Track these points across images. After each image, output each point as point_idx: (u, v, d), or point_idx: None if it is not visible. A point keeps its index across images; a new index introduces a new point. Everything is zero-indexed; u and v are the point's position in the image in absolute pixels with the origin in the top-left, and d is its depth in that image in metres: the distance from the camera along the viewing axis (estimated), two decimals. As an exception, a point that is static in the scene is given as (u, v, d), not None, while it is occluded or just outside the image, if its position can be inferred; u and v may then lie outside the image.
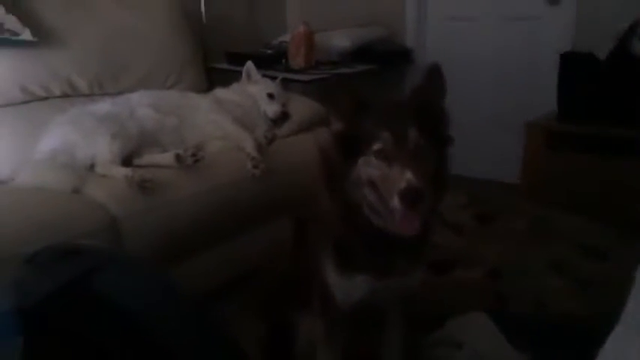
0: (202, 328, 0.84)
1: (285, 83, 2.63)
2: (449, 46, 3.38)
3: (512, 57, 3.24)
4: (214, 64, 3.15)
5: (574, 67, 2.62)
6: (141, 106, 2.11)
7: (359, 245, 1.20)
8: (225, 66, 3.19)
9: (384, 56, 3.29)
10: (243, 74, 2.45)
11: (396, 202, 1.02)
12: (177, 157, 1.90)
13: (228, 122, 2.20)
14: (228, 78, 2.70)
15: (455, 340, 1.61)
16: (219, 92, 2.41)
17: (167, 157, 1.92)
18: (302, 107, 2.46)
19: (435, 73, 1.18)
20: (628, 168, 2.38)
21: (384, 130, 1.08)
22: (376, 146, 1.08)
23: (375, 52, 3.27)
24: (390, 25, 3.45)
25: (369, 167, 1.10)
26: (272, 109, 2.34)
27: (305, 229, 1.42)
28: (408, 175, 1.02)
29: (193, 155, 1.92)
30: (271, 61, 3.06)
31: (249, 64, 2.44)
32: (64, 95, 2.30)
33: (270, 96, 2.37)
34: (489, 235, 2.45)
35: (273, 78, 2.54)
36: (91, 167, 1.88)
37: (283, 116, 2.36)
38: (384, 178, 1.07)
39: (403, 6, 3.48)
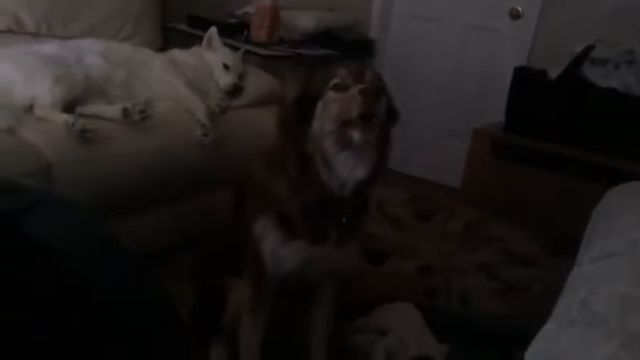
0: (139, 284, 0.80)
1: (245, 55, 2.57)
2: (410, 43, 3.40)
3: (469, 64, 3.30)
4: (173, 25, 3.05)
5: (525, 82, 2.70)
6: (90, 53, 1.99)
7: (300, 209, 1.21)
8: (184, 28, 3.09)
9: (347, 44, 3.27)
10: (205, 40, 2.34)
11: (356, 99, 1.08)
12: (125, 111, 1.81)
13: (180, 84, 2.12)
14: (186, 41, 2.61)
15: (380, 327, 1.64)
16: (176, 53, 2.31)
17: (113, 110, 1.83)
18: (259, 81, 2.40)
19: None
20: (562, 185, 2.49)
21: (341, 68, 1.15)
22: (333, 82, 1.14)
23: (338, 38, 3.24)
24: (356, 13, 3.43)
25: (327, 106, 1.14)
26: (225, 80, 2.25)
27: (245, 196, 1.40)
28: (364, 85, 1.10)
29: (142, 112, 1.84)
30: (233, 31, 2.98)
31: (213, 29, 2.34)
32: (8, 30, 2.15)
33: (226, 67, 2.28)
34: (425, 233, 2.51)
35: (234, 48, 2.47)
36: (30, 109, 1.77)
37: (235, 89, 2.29)
38: (343, 102, 1.12)
39: (372, -4, 3.48)
